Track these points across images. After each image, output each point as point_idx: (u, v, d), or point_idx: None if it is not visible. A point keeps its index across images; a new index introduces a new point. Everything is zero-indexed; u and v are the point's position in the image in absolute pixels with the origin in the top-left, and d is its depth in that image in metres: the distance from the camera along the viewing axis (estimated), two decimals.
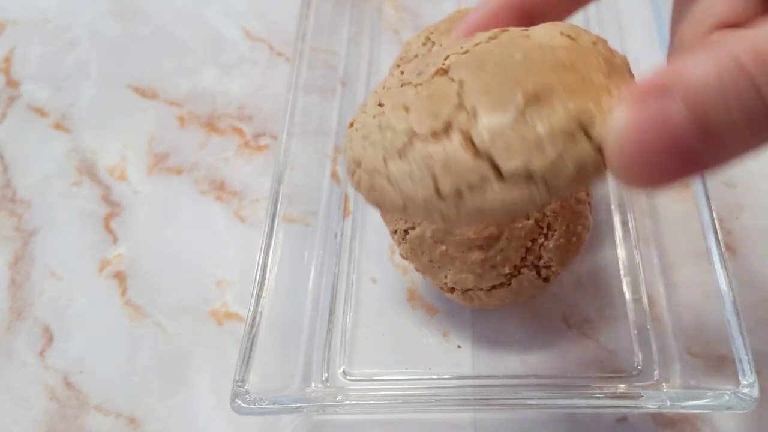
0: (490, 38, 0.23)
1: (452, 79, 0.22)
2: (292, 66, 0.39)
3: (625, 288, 0.35)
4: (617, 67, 0.22)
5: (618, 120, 0.18)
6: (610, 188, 0.39)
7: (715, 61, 0.16)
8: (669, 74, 0.17)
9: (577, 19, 0.44)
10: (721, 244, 0.31)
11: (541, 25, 0.23)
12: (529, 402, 0.30)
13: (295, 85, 0.38)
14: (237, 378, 0.30)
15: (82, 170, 0.43)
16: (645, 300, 0.35)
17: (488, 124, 0.20)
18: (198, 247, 0.39)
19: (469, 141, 0.20)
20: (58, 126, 0.45)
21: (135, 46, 0.48)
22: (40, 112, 0.46)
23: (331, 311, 0.36)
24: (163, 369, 0.35)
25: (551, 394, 0.31)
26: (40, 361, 0.36)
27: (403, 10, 0.48)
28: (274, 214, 0.34)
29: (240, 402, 0.29)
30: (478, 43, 0.23)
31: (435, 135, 0.21)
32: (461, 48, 0.23)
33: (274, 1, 0.50)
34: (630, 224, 0.37)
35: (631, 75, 0.22)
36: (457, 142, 0.21)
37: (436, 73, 0.22)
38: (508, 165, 0.20)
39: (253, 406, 0.29)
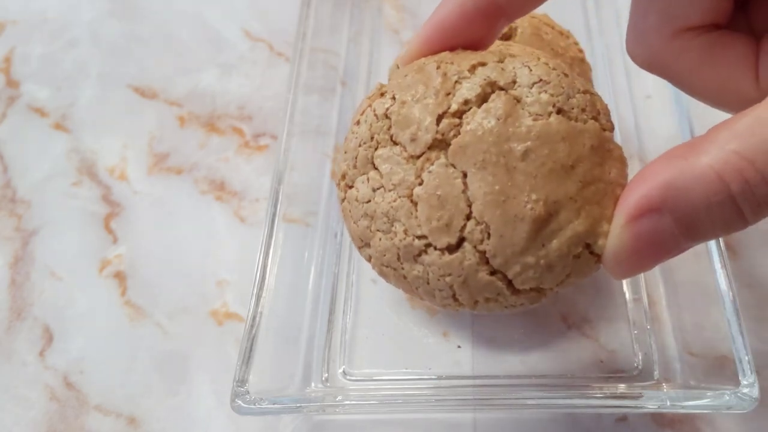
0: (479, 96, 0.22)
1: (455, 168, 0.22)
2: (292, 66, 0.39)
3: (625, 288, 0.35)
4: (607, 149, 0.23)
5: (616, 238, 0.21)
6: None
7: (704, 186, 0.19)
8: (662, 193, 0.19)
9: (578, 21, 0.44)
10: (721, 244, 0.31)
11: (526, 75, 0.23)
12: (529, 402, 0.30)
13: (295, 85, 0.38)
14: (237, 378, 0.30)
15: (82, 170, 0.43)
16: (645, 300, 0.35)
17: (502, 247, 0.22)
18: (198, 247, 0.39)
19: (484, 258, 0.22)
20: (58, 126, 0.45)
21: (135, 46, 0.48)
22: (40, 112, 0.46)
23: (331, 311, 0.36)
24: (163, 369, 0.35)
25: (551, 394, 0.31)
26: (40, 361, 0.36)
27: (403, 10, 0.48)
28: (274, 214, 0.34)
29: (240, 402, 0.29)
30: (467, 102, 0.22)
31: (450, 248, 0.22)
32: (449, 105, 0.23)
33: (274, 1, 0.50)
34: None
35: (619, 150, 0.23)
36: (473, 260, 0.22)
37: (434, 146, 0.22)
38: (522, 286, 0.22)
39: (253, 406, 0.29)
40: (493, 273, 0.22)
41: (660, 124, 0.37)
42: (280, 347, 0.33)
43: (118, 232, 0.40)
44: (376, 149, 0.24)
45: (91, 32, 0.49)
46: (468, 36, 0.24)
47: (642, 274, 0.35)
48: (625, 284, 0.35)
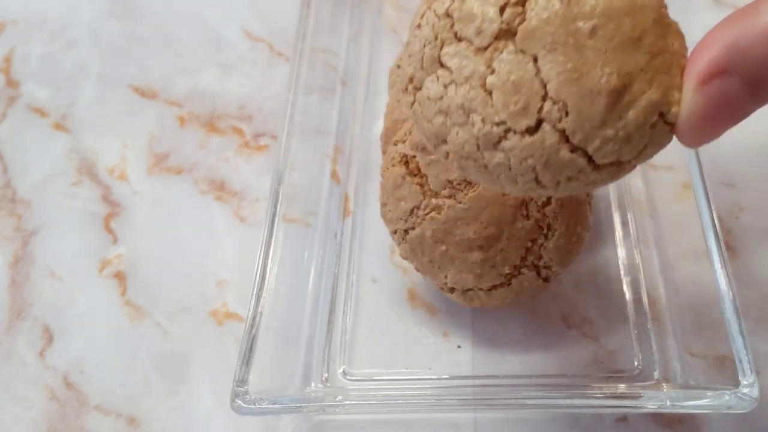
0: None
1: (524, 53, 0.22)
2: (292, 66, 0.39)
3: (625, 288, 0.35)
4: (667, 23, 0.23)
5: (689, 103, 0.22)
6: (610, 188, 0.38)
7: (765, 41, 0.20)
8: (727, 54, 0.20)
9: None
10: (722, 244, 0.31)
11: None
12: (529, 402, 0.30)
13: (295, 85, 0.38)
14: (237, 378, 0.30)
15: (82, 170, 0.43)
16: (645, 300, 0.35)
17: (581, 123, 0.22)
18: (198, 247, 0.39)
19: (564, 136, 0.22)
20: (58, 126, 0.45)
21: (135, 46, 0.48)
22: (40, 112, 0.46)
23: (331, 311, 0.36)
24: (163, 369, 0.35)
25: (551, 394, 0.31)
26: (40, 361, 0.36)
27: (403, 10, 0.48)
28: (274, 214, 0.34)
29: (240, 402, 0.29)
30: None
31: (529, 130, 0.22)
32: None
33: (274, 1, 0.50)
34: (630, 224, 0.37)
35: (676, 25, 0.24)
36: (553, 139, 0.22)
37: (500, 36, 0.23)
38: (603, 161, 0.22)
39: (253, 406, 0.29)
40: (573, 150, 0.22)
41: None
42: (280, 347, 0.33)
43: (118, 232, 0.40)
44: (441, 48, 0.24)
45: (91, 32, 0.49)
46: None
47: (642, 274, 0.35)
48: (625, 284, 0.35)
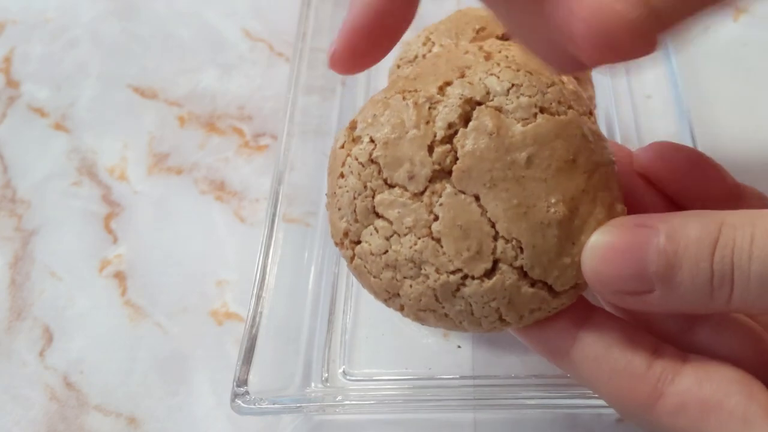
0: (461, 117, 0.22)
1: (465, 193, 0.22)
2: (292, 66, 0.39)
3: None
4: (594, 132, 0.23)
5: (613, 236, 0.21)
6: None
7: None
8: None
9: None
10: None
11: (497, 83, 0.22)
12: (529, 402, 0.30)
13: (295, 85, 0.38)
14: (237, 378, 0.30)
15: (82, 170, 0.43)
16: None
17: (537, 257, 0.21)
18: (198, 247, 0.39)
19: (522, 273, 0.22)
20: (58, 126, 0.45)
21: (135, 46, 0.48)
22: (40, 112, 0.46)
23: (331, 311, 0.36)
24: (163, 369, 0.35)
25: (551, 394, 0.31)
26: (40, 361, 0.36)
27: None
28: (274, 214, 0.34)
29: (240, 402, 0.29)
30: (452, 125, 0.22)
31: (487, 274, 0.22)
32: (434, 133, 0.22)
33: (274, 1, 0.50)
34: None
35: (596, 125, 0.24)
36: (513, 278, 0.22)
37: (435, 177, 0.22)
38: (562, 288, 0.22)
39: (253, 406, 0.29)
40: (533, 284, 0.22)
41: (660, 123, 0.37)
42: (280, 347, 0.33)
43: (118, 232, 0.40)
44: (373, 197, 0.23)
45: (91, 32, 0.49)
46: (392, 15, 0.24)
47: None
48: None
